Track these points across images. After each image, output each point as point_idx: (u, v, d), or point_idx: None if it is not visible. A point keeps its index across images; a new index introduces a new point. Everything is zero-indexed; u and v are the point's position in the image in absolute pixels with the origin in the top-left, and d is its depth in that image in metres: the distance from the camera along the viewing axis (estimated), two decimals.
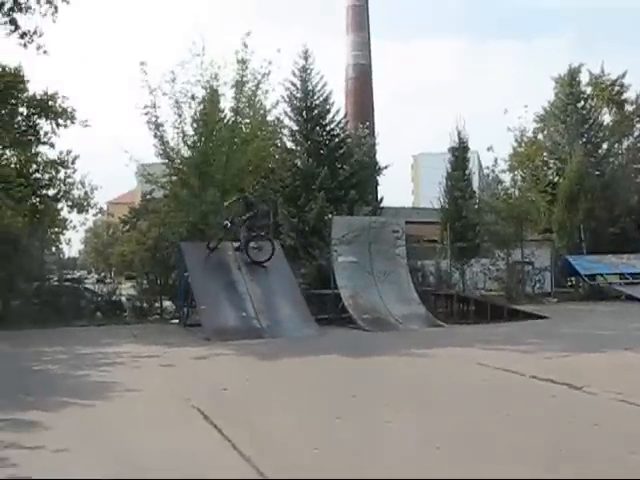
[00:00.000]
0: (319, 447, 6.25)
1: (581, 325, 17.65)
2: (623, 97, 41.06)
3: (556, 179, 34.54)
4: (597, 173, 33.83)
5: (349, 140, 26.96)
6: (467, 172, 27.76)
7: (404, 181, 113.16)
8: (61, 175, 21.54)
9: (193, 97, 20.24)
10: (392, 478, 5.37)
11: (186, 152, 20.82)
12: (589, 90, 38.85)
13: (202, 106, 20.37)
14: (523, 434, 6.63)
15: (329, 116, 26.49)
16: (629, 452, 5.88)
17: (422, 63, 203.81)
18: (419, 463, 5.77)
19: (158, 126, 20.30)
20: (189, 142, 20.64)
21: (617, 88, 40.78)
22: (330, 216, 21.38)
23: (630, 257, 28.81)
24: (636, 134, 41.37)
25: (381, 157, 28.67)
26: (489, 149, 30.34)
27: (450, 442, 6.35)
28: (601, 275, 28.02)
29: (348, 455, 5.98)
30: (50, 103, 20.90)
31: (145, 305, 20.95)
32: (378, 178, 28.32)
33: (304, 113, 25.93)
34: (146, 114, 20.21)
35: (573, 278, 29.36)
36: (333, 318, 18.29)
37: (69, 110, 21.13)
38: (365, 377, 10.42)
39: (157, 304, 21.04)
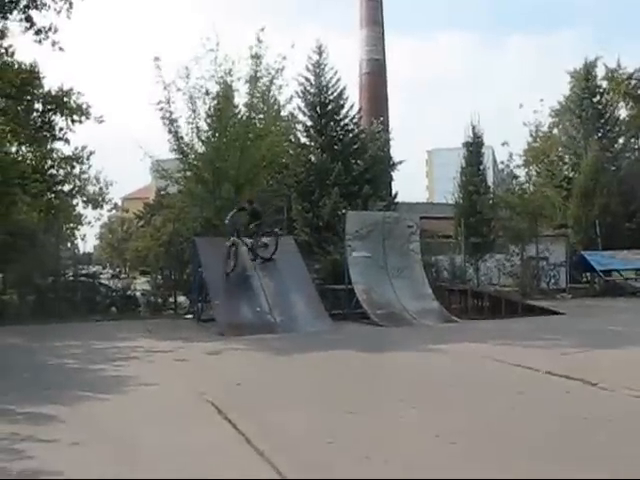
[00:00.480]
0: (333, 441, 6.25)
1: (596, 321, 17.55)
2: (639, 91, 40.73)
3: (571, 174, 34.31)
4: (613, 168, 33.58)
5: (363, 135, 26.95)
6: (481, 167, 27.70)
7: (418, 176, 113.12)
8: (76, 171, 21.68)
9: (207, 92, 20.26)
10: (404, 478, 5.36)
11: (200, 147, 20.85)
12: (605, 84, 38.54)
13: (216, 101, 20.38)
14: (537, 430, 6.61)
15: (343, 111, 26.49)
16: None
17: (437, 58, 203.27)
18: (433, 458, 5.76)
19: (172, 121, 20.36)
20: (203, 137, 20.67)
21: (633, 82, 40.39)
22: (344, 211, 21.34)
23: None
24: None
25: (395, 152, 28.65)
26: (504, 144, 30.30)
27: (465, 437, 6.32)
28: (617, 271, 27.84)
29: (361, 450, 5.97)
30: (65, 99, 20.97)
31: (159, 300, 21.01)
32: (392, 173, 28.31)
33: (318, 108, 25.94)
34: (160, 109, 20.28)
35: (588, 274, 29.14)
36: (347, 313, 18.27)
37: (84, 106, 21.22)
38: (379, 372, 10.43)
39: (171, 299, 21.09)
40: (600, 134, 35.00)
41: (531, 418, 7.13)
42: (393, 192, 27.80)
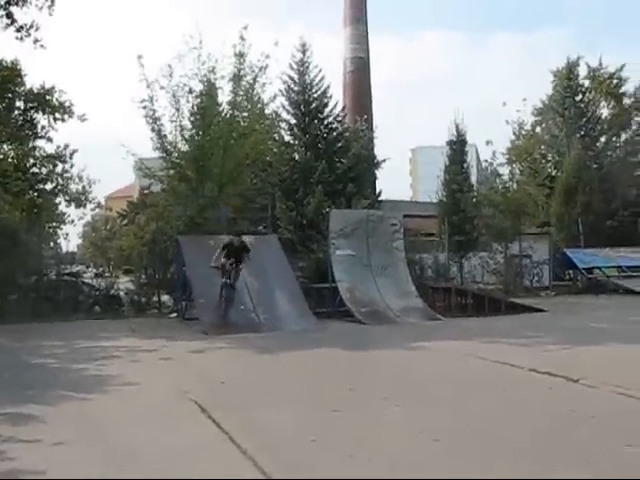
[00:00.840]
0: (316, 440, 6.25)
1: (579, 318, 17.67)
2: (621, 90, 41.10)
3: (554, 172, 34.58)
4: (595, 166, 33.87)
5: (347, 134, 26.99)
6: (465, 165, 27.81)
7: (402, 174, 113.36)
8: (59, 169, 21.54)
9: (190, 90, 20.23)
10: (388, 476, 5.37)
11: (184, 146, 20.81)
12: (587, 83, 38.84)
13: (199, 100, 20.35)
14: (521, 427, 6.64)
15: (327, 109, 26.49)
16: (625, 445, 5.89)
17: (421, 56, 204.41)
18: (417, 456, 5.77)
19: (156, 120, 20.31)
20: (186, 136, 20.63)
21: (615, 81, 40.76)
22: (328, 210, 21.38)
23: (628, 250, 28.82)
24: (634, 127, 41.39)
25: (379, 151, 28.79)
26: (488, 143, 30.42)
27: (448, 435, 6.34)
28: (599, 268, 28.04)
29: (345, 448, 5.97)
30: (47, 97, 20.86)
31: (143, 299, 20.94)
32: (376, 172, 28.37)
33: (302, 107, 25.93)
34: (144, 108, 20.21)
35: (571, 271, 29.36)
36: (331, 312, 18.28)
37: (66, 104, 21.12)
38: (363, 370, 10.44)
39: (155, 298, 21.02)
40: (582, 133, 35.29)
41: (514, 415, 7.16)
42: (377, 190, 27.87)
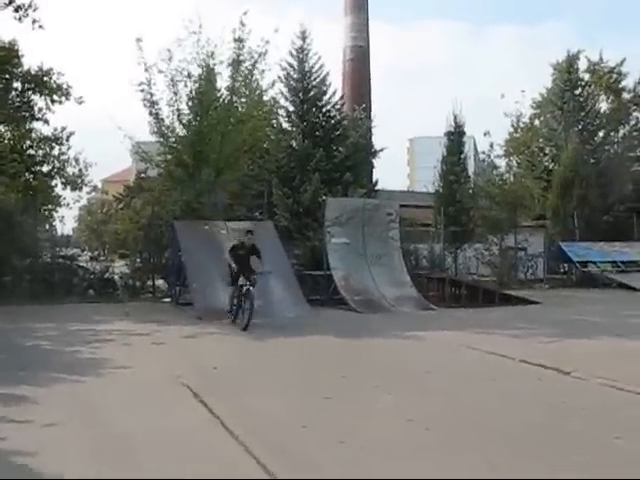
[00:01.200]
0: (308, 426, 6.28)
1: (572, 311, 17.72)
2: (621, 85, 41.04)
3: (551, 166, 34.52)
4: (592, 161, 33.84)
5: (345, 122, 26.93)
6: (462, 156, 27.79)
7: (400, 164, 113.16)
8: (55, 152, 21.40)
9: (189, 75, 20.11)
10: (377, 462, 5.40)
11: (181, 131, 20.71)
12: (587, 77, 38.77)
13: (198, 84, 20.24)
14: (511, 417, 6.69)
15: (325, 97, 26.42)
16: (614, 437, 5.94)
17: (421, 46, 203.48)
18: (407, 444, 5.80)
19: (153, 104, 20.20)
20: (184, 121, 20.53)
21: (615, 76, 40.68)
22: (324, 198, 21.36)
23: (622, 245, 28.90)
24: (632, 123, 41.36)
25: (377, 140, 28.68)
26: (486, 134, 30.33)
27: (439, 424, 6.39)
28: (593, 262, 28.10)
29: (336, 434, 6.00)
30: (45, 79, 20.71)
31: (138, 283, 20.94)
32: (373, 161, 28.32)
33: (300, 94, 25.85)
34: (142, 91, 20.11)
35: (566, 265, 29.41)
36: (325, 299, 18.32)
37: (64, 86, 20.95)
38: (356, 358, 10.47)
39: (150, 282, 21.03)
40: (580, 127, 35.22)
41: (505, 406, 7.20)
42: (374, 179, 27.82)
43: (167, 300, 19.42)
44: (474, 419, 6.63)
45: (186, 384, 7.98)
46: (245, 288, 13.62)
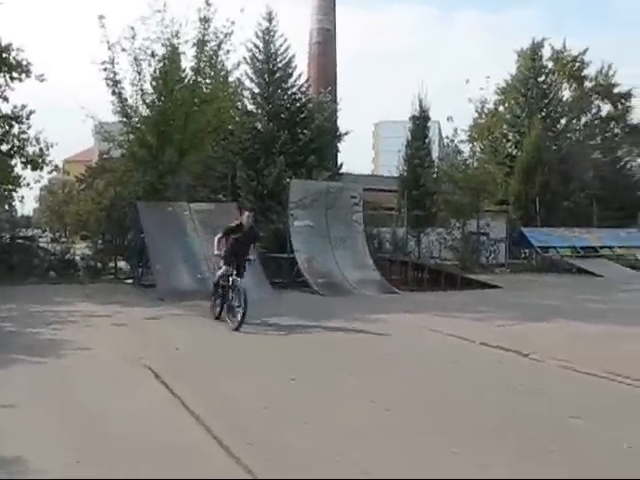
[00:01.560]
0: (269, 407, 6.31)
1: (532, 295, 17.99)
2: (583, 74, 41.62)
3: (514, 152, 34.94)
4: (554, 148, 34.31)
5: (310, 105, 26.84)
6: (427, 141, 27.94)
7: (365, 148, 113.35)
8: (15, 130, 20.94)
9: (153, 54, 19.82)
10: (339, 444, 5.45)
11: (145, 111, 20.45)
12: (550, 65, 39.24)
13: (162, 64, 19.98)
14: (470, 399, 6.79)
15: (291, 80, 26.32)
16: (569, 417, 6.08)
17: (388, 30, 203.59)
18: (368, 425, 5.86)
19: (116, 83, 19.90)
20: (148, 100, 20.27)
21: (578, 64, 41.28)
22: (288, 180, 21.32)
23: (582, 231, 29.42)
24: (594, 111, 42.06)
25: (342, 123, 28.78)
26: (449, 119, 30.54)
27: (399, 404, 6.46)
28: (554, 248, 28.53)
29: (298, 416, 6.05)
30: (4, 55, 20.23)
31: (99, 265, 20.75)
32: (338, 144, 28.27)
33: (266, 76, 25.72)
34: (104, 70, 19.80)
35: (527, 250, 29.83)
36: (288, 282, 18.32)
37: (24, 63, 20.50)
38: (318, 341, 10.50)
39: (112, 264, 20.85)
40: (543, 114, 35.67)
41: (464, 387, 7.30)
42: (339, 163, 27.82)
43: (129, 282, 19.28)
44: (434, 400, 6.71)
45: (148, 365, 7.95)
46: (232, 280, 11.64)
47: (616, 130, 42.12)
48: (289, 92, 26.15)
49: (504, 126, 37.22)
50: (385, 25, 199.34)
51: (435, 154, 31.29)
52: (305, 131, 25.41)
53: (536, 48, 37.56)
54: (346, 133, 28.37)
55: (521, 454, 5.14)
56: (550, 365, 8.56)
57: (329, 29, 38.17)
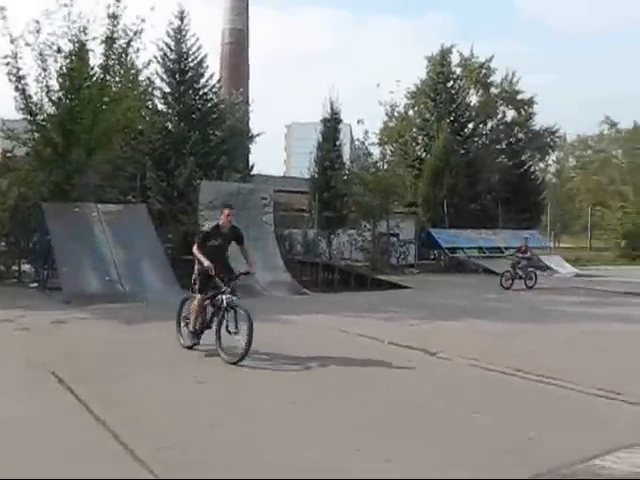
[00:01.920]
0: (178, 410, 6.27)
1: (440, 295, 18.45)
2: (489, 80, 43.02)
3: (423, 155, 35.62)
4: (462, 151, 35.18)
5: (222, 106, 26.73)
6: (338, 143, 28.25)
7: (277, 150, 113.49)
8: None
9: (59, 50, 19.26)
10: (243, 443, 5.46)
11: (50, 108, 19.85)
12: (459, 71, 40.32)
13: (69, 60, 19.45)
14: (377, 397, 6.90)
15: (203, 80, 26.14)
16: (472, 412, 6.29)
17: (302, 33, 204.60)
18: (275, 423, 5.89)
19: (20, 78, 19.25)
20: (54, 98, 19.68)
21: (484, 71, 42.62)
22: (199, 181, 21.16)
23: (488, 232, 30.37)
24: (499, 116, 43.54)
25: (255, 125, 28.79)
26: (359, 122, 30.90)
27: (306, 402, 6.52)
28: (461, 248, 29.33)
29: (205, 418, 6.04)
30: None
31: (2, 268, 20.01)
32: (250, 146, 28.27)
33: (177, 75, 25.45)
34: (6, 64, 19.13)
35: (436, 251, 30.52)
36: None
37: None
38: None
39: (15, 267, 20.14)
40: (452, 118, 36.51)
41: (371, 386, 7.43)
42: (250, 164, 27.81)
43: (34, 285, 18.65)
44: (341, 399, 6.80)
45: (52, 371, 7.75)
46: (226, 299, 9.00)
47: (520, 135, 43.72)
48: (201, 92, 25.97)
49: (414, 129, 37.94)
50: (299, 28, 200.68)
51: (346, 156, 31.62)
52: (216, 132, 25.31)
53: (445, 54, 38.47)
54: (258, 134, 28.48)
55: (425, 450, 5.28)
56: (457, 363, 8.85)
57: (241, 30, 38.13)
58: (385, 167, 31.32)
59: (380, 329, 11.49)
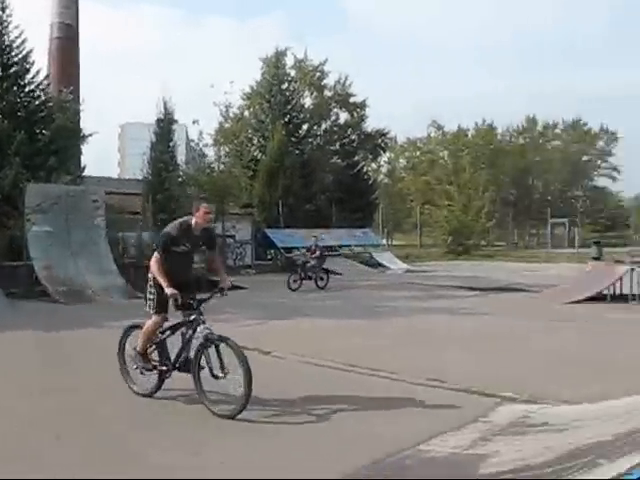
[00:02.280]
0: (28, 423, 6.18)
1: (276, 295, 18.82)
2: (323, 83, 44.10)
3: (259, 156, 35.98)
4: (297, 152, 35.86)
5: (50, 104, 25.60)
6: (172, 144, 27.84)
7: (112, 151, 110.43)
8: None
9: None
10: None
11: None
12: (293, 73, 41.04)
13: None
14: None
15: (28, 76, 24.89)
16: (308, 409, 6.50)
17: (134, 30, 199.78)
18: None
19: None
20: None
21: (318, 74, 43.65)
22: (26, 183, 20.25)
23: (323, 231, 31.10)
24: (333, 118, 44.75)
25: (87, 125, 27.81)
26: (195, 122, 30.82)
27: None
28: (297, 248, 29.85)
29: (50, 429, 5.99)
30: None
31: None
32: (82, 146, 27.33)
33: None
34: None
35: (272, 251, 30.89)
36: (25, 292, 17.37)
37: None
38: (56, 352, 10.19)
39: None
40: (287, 119, 37.11)
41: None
42: (82, 165, 26.90)
43: None
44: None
45: None
46: (205, 333, 7.02)
47: (353, 137, 45.21)
48: (26, 89, 24.74)
49: (249, 130, 38.24)
50: (131, 25, 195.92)
51: (182, 157, 31.34)
52: (44, 131, 24.25)
53: (279, 56, 39.03)
54: (90, 135, 27.54)
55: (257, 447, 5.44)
56: (290, 360, 9.22)
57: (71, 24, 36.64)
58: (220, 168, 31.34)
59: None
